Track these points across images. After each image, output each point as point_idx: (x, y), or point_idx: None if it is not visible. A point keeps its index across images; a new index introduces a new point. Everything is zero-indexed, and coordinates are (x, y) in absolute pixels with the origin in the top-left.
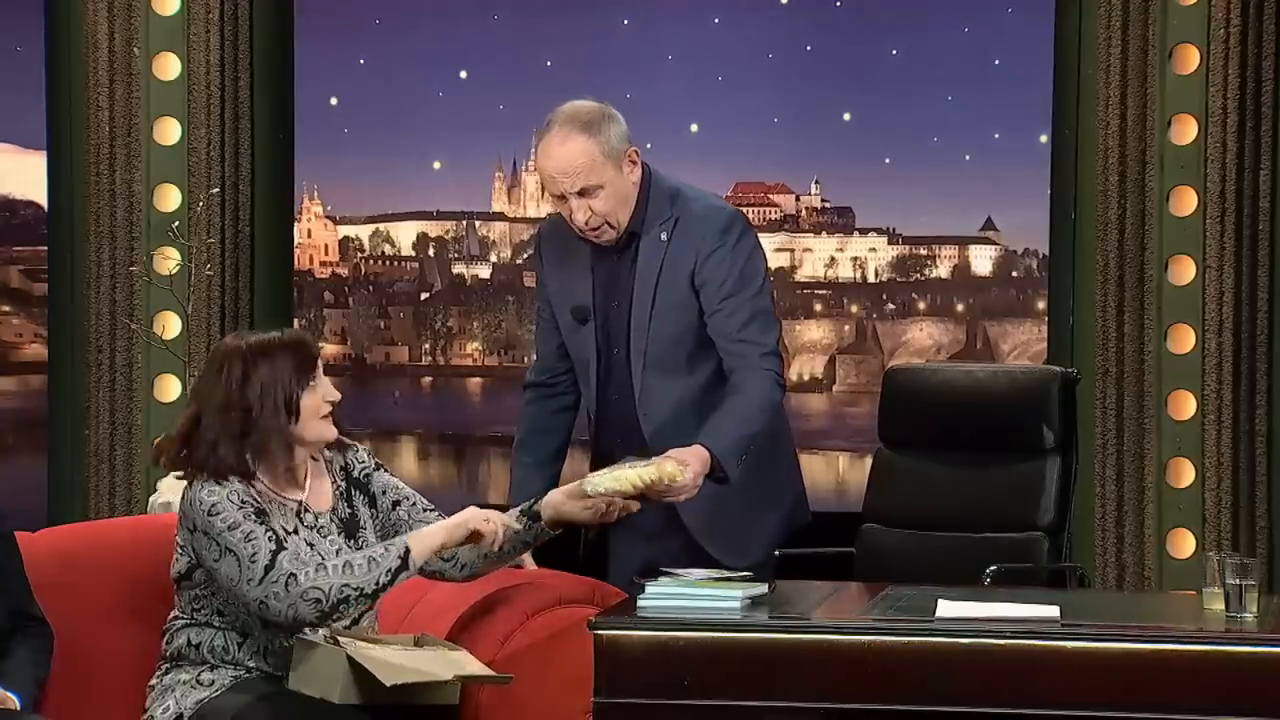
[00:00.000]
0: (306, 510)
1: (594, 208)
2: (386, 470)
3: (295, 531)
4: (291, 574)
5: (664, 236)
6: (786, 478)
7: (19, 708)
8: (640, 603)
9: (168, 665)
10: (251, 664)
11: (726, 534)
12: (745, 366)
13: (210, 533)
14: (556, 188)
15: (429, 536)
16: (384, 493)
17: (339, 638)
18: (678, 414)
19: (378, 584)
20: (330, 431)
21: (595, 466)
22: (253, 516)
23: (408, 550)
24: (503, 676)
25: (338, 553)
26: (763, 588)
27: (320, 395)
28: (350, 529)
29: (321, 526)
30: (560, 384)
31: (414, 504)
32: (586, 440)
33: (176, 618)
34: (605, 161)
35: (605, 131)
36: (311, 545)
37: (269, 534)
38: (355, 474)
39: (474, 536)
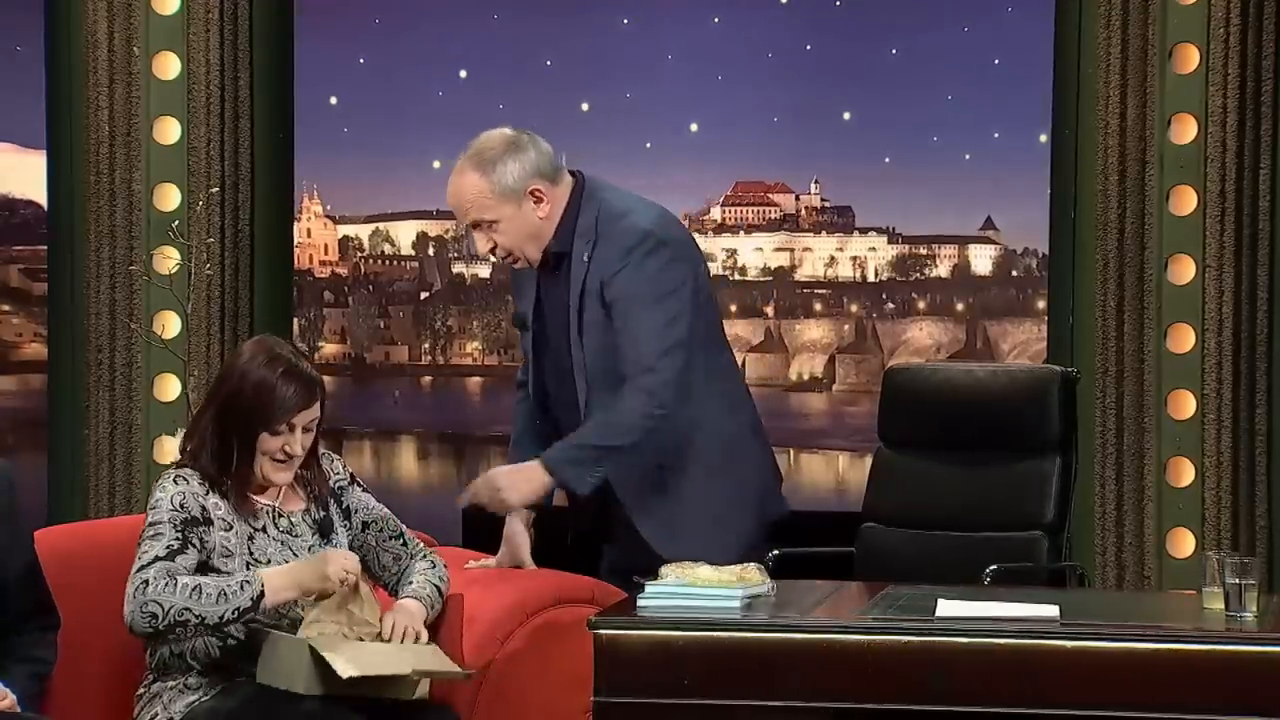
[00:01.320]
0: (280, 515)
1: (496, 240)
2: (360, 485)
3: (264, 530)
4: (146, 581)
5: (585, 257)
6: (751, 476)
7: (17, 709)
8: (640, 602)
9: (153, 675)
10: (238, 667)
11: (686, 540)
12: (627, 390)
13: (146, 522)
14: (457, 218)
15: (284, 589)
16: (355, 511)
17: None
18: None
19: (221, 618)
20: (279, 478)
21: None
22: (178, 523)
23: (261, 595)
24: (463, 672)
25: (309, 550)
26: (763, 587)
27: (281, 443)
28: (324, 530)
29: (294, 527)
30: None
31: (381, 529)
32: None
33: None
34: (497, 200)
35: (500, 170)
36: (284, 544)
37: (173, 541)
38: (330, 483)
39: (322, 594)
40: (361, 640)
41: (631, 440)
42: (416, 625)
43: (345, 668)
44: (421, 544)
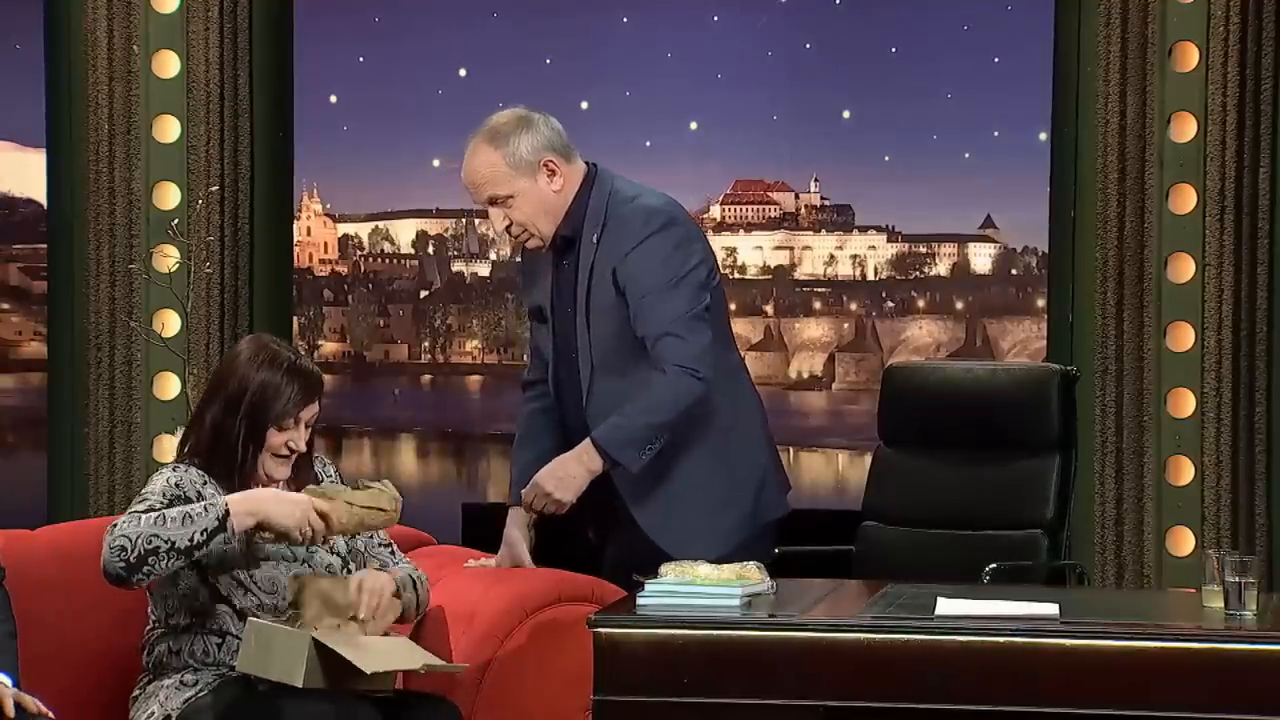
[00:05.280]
0: None
1: (512, 216)
2: None
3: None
4: (115, 524)
5: (595, 239)
6: (749, 474)
7: (10, 685)
8: (640, 600)
9: (149, 674)
10: (234, 664)
11: (678, 527)
12: (662, 366)
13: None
14: (473, 197)
15: (251, 503)
16: None
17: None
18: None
19: (191, 540)
20: (280, 473)
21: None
22: (168, 497)
23: (227, 512)
24: (461, 666)
25: (305, 548)
26: (763, 586)
27: (285, 439)
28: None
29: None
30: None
31: (371, 535)
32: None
33: (154, 627)
34: (512, 172)
35: (513, 142)
36: (282, 545)
37: (155, 505)
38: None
39: (283, 534)
40: (352, 622)
41: (678, 411)
42: (384, 590)
43: (369, 663)
44: (405, 555)
